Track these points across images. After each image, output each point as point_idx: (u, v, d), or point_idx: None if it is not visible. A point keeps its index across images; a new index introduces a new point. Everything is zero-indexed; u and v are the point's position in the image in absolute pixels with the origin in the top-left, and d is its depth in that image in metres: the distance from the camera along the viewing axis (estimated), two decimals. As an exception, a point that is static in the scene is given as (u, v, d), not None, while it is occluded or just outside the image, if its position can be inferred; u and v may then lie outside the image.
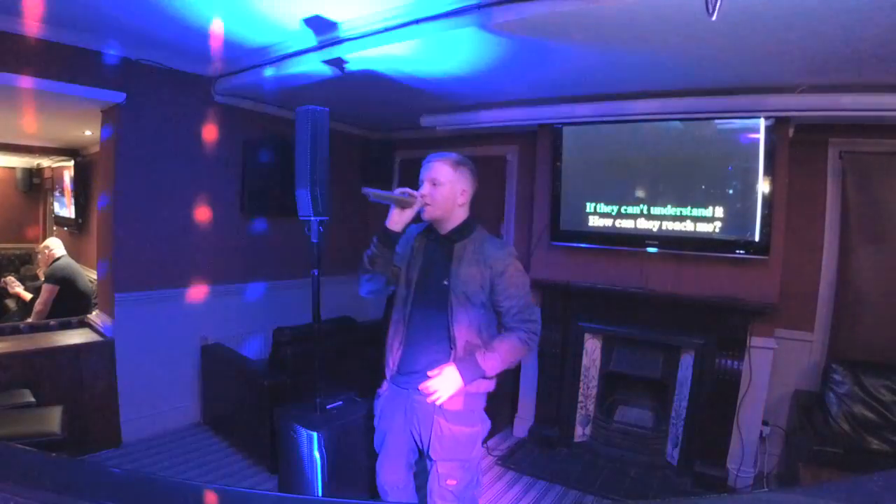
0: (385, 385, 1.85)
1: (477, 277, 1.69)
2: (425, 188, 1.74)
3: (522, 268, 1.77)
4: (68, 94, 2.83)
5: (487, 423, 1.78)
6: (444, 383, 1.63)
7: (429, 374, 1.66)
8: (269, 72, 2.95)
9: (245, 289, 3.84)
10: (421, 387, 1.66)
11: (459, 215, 1.77)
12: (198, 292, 3.53)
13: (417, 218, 1.79)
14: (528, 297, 1.75)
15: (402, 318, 1.77)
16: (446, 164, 1.75)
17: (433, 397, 1.64)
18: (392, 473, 1.85)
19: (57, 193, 5.62)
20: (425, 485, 1.80)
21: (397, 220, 1.72)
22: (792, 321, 3.11)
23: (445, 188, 1.72)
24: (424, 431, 1.73)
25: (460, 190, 1.75)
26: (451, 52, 2.50)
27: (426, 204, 1.72)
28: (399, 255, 1.83)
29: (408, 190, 1.72)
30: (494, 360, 1.66)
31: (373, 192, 1.65)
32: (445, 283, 1.70)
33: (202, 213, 3.52)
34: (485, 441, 3.34)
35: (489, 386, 1.76)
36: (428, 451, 1.71)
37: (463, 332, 1.69)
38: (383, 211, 1.80)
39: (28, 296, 4.37)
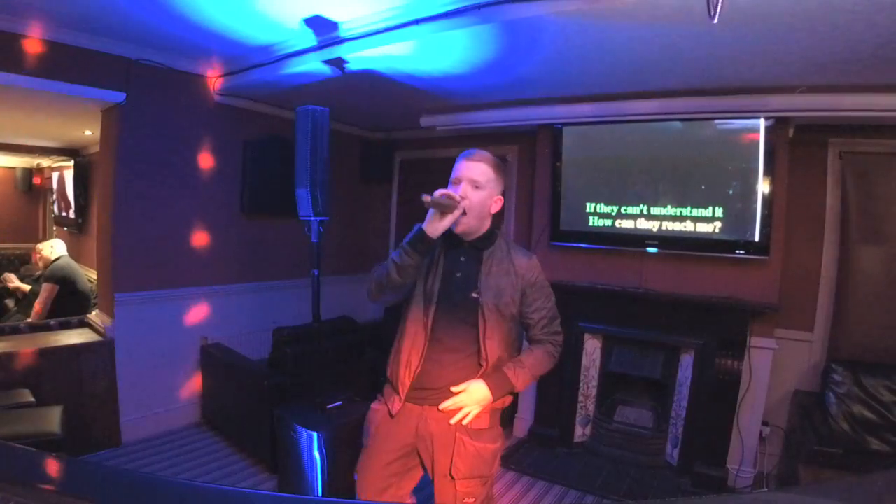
0: (395, 403, 1.62)
1: (508, 289, 1.56)
2: (464, 189, 1.52)
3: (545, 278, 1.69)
4: (68, 94, 2.83)
5: (504, 439, 1.71)
6: (473, 400, 1.52)
7: (453, 389, 1.53)
8: (269, 72, 2.95)
9: (245, 289, 3.84)
10: (443, 406, 1.54)
11: (488, 223, 1.61)
12: (197, 292, 3.53)
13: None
14: (555, 308, 1.68)
15: (421, 331, 1.58)
16: (488, 165, 1.56)
17: (460, 415, 1.52)
18: (376, 496, 1.67)
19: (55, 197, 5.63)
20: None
21: (438, 225, 1.46)
22: (792, 321, 3.11)
23: (484, 192, 1.54)
24: (443, 451, 1.58)
25: (495, 197, 1.58)
26: (451, 51, 2.50)
27: (464, 210, 1.50)
28: None
29: (447, 192, 1.48)
30: (525, 375, 1.57)
31: (431, 200, 1.42)
32: (475, 295, 1.55)
33: (202, 213, 3.52)
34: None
35: (508, 400, 1.65)
36: (449, 471, 1.58)
37: (495, 348, 1.56)
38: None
39: (27, 287, 4.37)
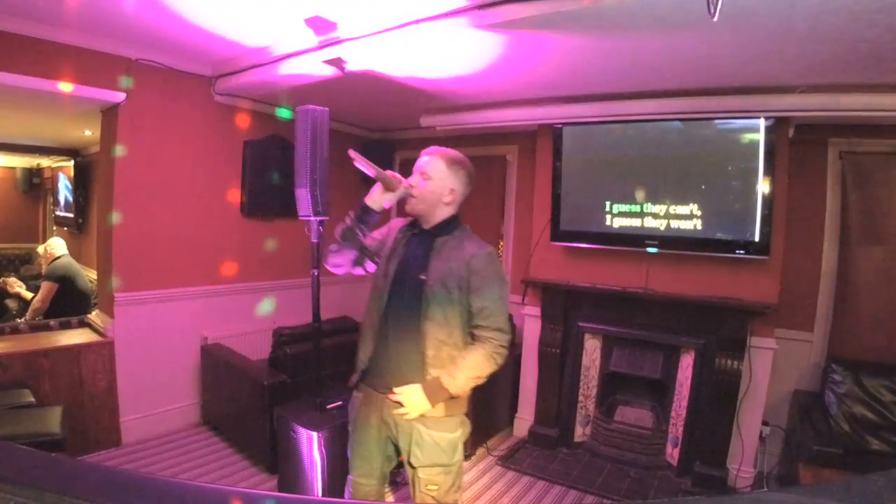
0: (356, 381, 1.77)
1: (454, 273, 1.63)
2: (414, 178, 1.72)
3: (503, 273, 1.72)
4: (68, 94, 2.83)
5: (468, 427, 1.73)
6: (411, 404, 1.60)
7: (393, 392, 1.62)
8: (269, 72, 2.95)
9: (245, 289, 3.84)
10: (390, 397, 1.64)
11: (444, 212, 1.72)
12: (197, 292, 3.53)
13: (403, 211, 1.78)
14: (500, 302, 1.66)
15: (377, 309, 1.71)
16: (441, 159, 1.72)
17: (401, 411, 1.61)
18: (365, 484, 1.77)
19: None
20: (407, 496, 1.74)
21: (378, 199, 1.70)
22: (792, 321, 3.11)
23: (434, 183, 1.69)
24: (404, 439, 1.66)
25: (449, 189, 1.70)
26: (451, 51, 2.50)
27: (410, 195, 1.69)
28: (380, 245, 1.80)
29: (397, 175, 1.70)
30: (460, 380, 1.59)
31: (358, 156, 1.64)
32: (422, 277, 1.64)
33: (202, 213, 3.52)
34: (485, 444, 3.37)
35: (466, 407, 1.72)
36: (408, 458, 1.66)
37: (434, 328, 1.62)
38: (382, 211, 1.78)
39: (29, 295, 4.37)
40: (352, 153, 1.64)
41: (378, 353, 1.71)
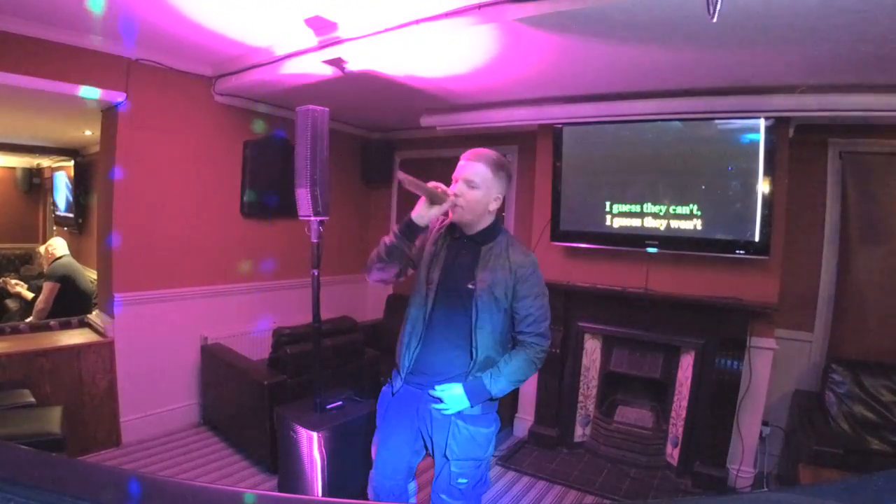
0: (397, 382, 1.78)
1: (501, 282, 1.63)
2: (459, 187, 1.64)
3: (543, 281, 1.72)
4: (68, 94, 2.83)
5: (499, 423, 1.78)
6: (452, 401, 1.64)
7: (436, 390, 1.65)
8: (268, 72, 2.95)
9: (245, 289, 3.84)
10: (431, 393, 1.67)
11: (489, 220, 1.70)
12: (197, 292, 3.53)
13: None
14: (544, 309, 1.69)
15: (421, 317, 1.70)
16: (486, 165, 1.64)
17: (441, 406, 1.66)
18: (390, 478, 1.79)
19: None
20: (426, 485, 1.78)
21: (424, 214, 1.60)
22: (792, 321, 3.11)
23: (480, 191, 1.63)
24: (440, 433, 1.69)
25: (494, 196, 1.66)
26: (451, 51, 2.50)
27: (457, 205, 1.63)
28: (419, 251, 1.76)
29: (441, 186, 1.62)
30: (502, 383, 1.64)
31: (408, 179, 1.54)
32: (471, 286, 1.64)
33: (202, 213, 3.52)
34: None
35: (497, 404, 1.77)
36: (444, 451, 1.69)
37: (485, 338, 1.65)
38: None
39: (29, 295, 4.38)
40: (401, 176, 1.55)
41: (423, 357, 1.72)
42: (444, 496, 1.70)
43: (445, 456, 1.69)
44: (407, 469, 1.81)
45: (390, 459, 1.79)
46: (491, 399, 1.67)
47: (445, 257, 1.71)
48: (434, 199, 1.58)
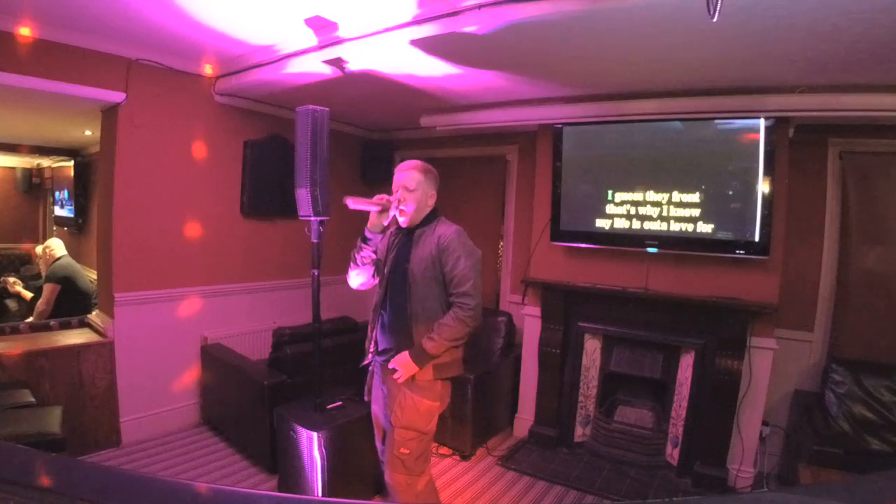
0: (368, 357, 2.10)
1: (428, 255, 1.92)
2: (401, 194, 1.98)
3: (471, 246, 1.96)
4: (68, 94, 2.83)
5: (446, 402, 2.01)
6: (402, 366, 1.89)
7: (390, 364, 1.93)
8: (269, 72, 2.95)
9: (245, 289, 3.84)
10: (390, 365, 1.93)
11: (426, 213, 2.01)
12: (197, 292, 3.53)
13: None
14: (466, 270, 1.90)
15: (378, 302, 2.04)
16: (417, 171, 2.00)
17: (395, 375, 1.91)
18: (381, 443, 2.10)
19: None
20: None
21: (375, 222, 2.02)
22: (792, 321, 3.11)
23: (417, 193, 1.97)
24: (393, 401, 1.95)
25: (430, 193, 2.01)
26: (451, 51, 2.50)
27: (402, 211, 1.97)
28: (383, 252, 2.09)
29: (384, 196, 1.98)
30: (437, 341, 1.86)
31: (354, 199, 1.92)
32: (406, 266, 1.95)
33: (202, 213, 3.52)
34: (485, 444, 3.37)
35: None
36: (391, 418, 1.93)
37: (418, 306, 1.92)
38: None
39: (29, 295, 4.37)
40: (347, 201, 1.92)
41: (381, 337, 2.05)
42: (388, 469, 1.95)
43: (392, 423, 1.93)
44: (385, 435, 2.07)
45: (379, 431, 2.12)
46: (432, 358, 1.88)
47: (395, 251, 2.04)
48: (384, 208, 1.97)
